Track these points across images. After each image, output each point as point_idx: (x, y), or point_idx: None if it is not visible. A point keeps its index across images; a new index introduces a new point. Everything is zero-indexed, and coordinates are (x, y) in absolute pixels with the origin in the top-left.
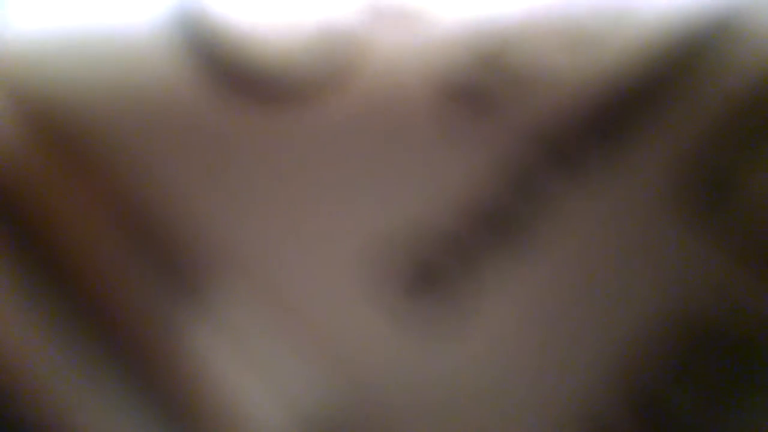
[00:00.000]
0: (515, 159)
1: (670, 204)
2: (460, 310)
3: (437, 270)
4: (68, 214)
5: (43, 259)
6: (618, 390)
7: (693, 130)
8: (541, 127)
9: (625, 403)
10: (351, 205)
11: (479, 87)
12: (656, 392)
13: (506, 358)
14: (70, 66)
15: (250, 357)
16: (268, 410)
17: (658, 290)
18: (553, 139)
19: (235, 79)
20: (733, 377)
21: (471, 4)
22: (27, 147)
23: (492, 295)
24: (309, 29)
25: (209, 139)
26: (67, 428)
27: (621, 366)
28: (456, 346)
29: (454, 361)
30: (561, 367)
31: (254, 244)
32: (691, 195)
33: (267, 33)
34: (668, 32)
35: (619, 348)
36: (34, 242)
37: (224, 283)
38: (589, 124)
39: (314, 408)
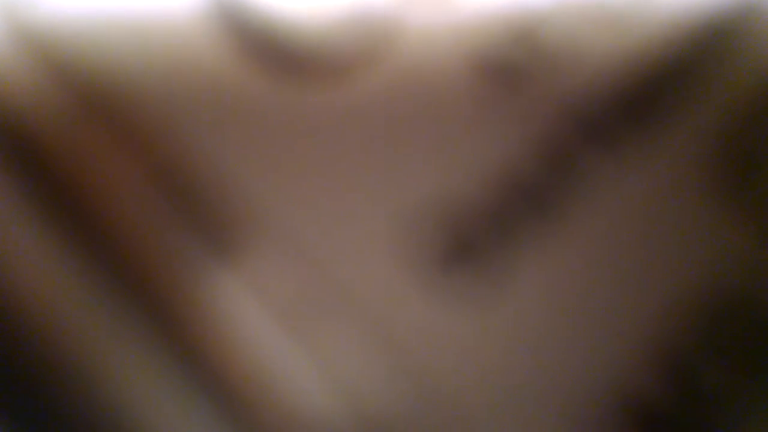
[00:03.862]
0: (548, 135)
1: (701, 180)
2: (495, 282)
3: (472, 243)
4: (105, 174)
5: (78, 215)
6: (650, 362)
7: (724, 109)
8: (574, 105)
9: (657, 375)
10: (386, 177)
11: (513, 64)
12: (688, 365)
13: (541, 330)
14: (112, 40)
15: (283, 318)
16: (299, 370)
17: (689, 264)
18: (586, 117)
19: (271, 54)
20: (764, 349)
21: None
22: (67, 113)
23: (526, 267)
24: (345, 6)
25: (245, 109)
26: (96, 386)
27: (653, 339)
28: (490, 318)
29: (488, 332)
30: (594, 339)
31: (289, 213)
32: (721, 171)
33: (303, 9)
34: (700, 12)
35: (651, 321)
36: (72, 202)
37: (258, 247)
38: (622, 102)
39: (349, 373)
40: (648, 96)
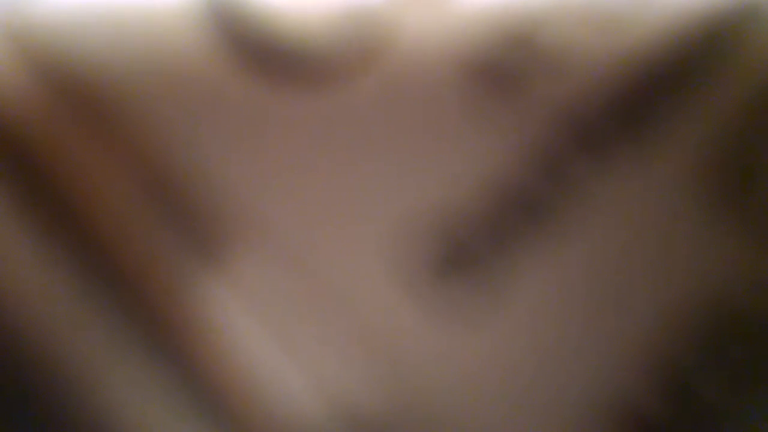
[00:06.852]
0: (543, 140)
1: (698, 187)
2: (489, 291)
3: (466, 251)
4: (91, 176)
5: (63, 217)
6: (649, 375)
7: (721, 114)
8: (569, 109)
9: (655, 387)
10: (378, 184)
11: (508, 67)
12: (687, 378)
13: (536, 340)
14: (97, 37)
15: (271, 325)
16: (288, 378)
17: (687, 275)
18: (582, 121)
19: (262, 56)
20: (763, 362)
21: None
22: (53, 113)
23: (521, 276)
24: (337, 8)
25: (234, 112)
26: (84, 392)
27: (652, 351)
28: (484, 328)
29: (484, 344)
30: (590, 351)
31: (280, 218)
32: (718, 179)
33: (295, 10)
34: (698, 15)
35: (648, 331)
36: (58, 205)
37: (248, 252)
38: (618, 107)
39: (339, 382)
40: (644, 102)
